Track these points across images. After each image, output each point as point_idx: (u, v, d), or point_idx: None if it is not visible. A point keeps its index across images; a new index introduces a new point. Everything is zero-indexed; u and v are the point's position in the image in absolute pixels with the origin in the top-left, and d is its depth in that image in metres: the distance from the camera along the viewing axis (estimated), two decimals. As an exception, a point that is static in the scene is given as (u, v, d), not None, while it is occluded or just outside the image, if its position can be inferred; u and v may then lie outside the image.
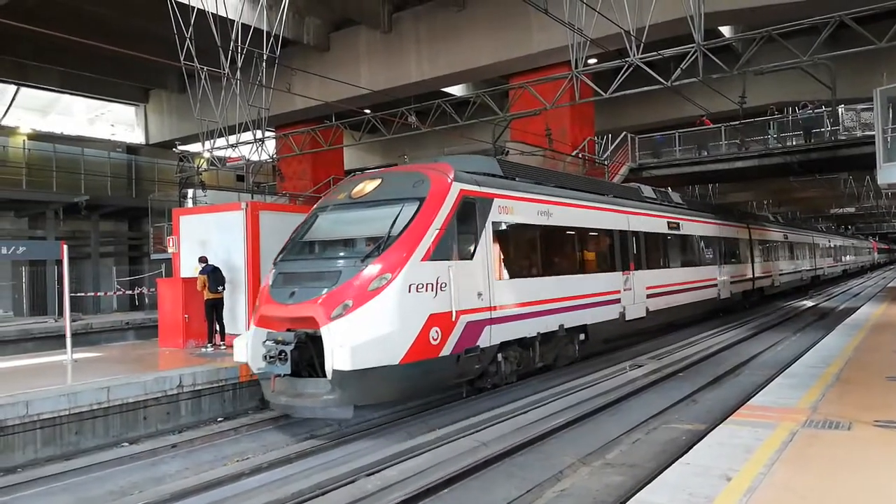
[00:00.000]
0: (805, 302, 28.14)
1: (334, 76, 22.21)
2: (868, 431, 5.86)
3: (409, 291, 8.54)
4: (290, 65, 22.46)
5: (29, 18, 12.84)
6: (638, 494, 4.77)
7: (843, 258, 49.61)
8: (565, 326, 11.79)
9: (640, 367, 12.61)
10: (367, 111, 25.69)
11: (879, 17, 15.80)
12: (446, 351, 9.01)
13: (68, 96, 32.09)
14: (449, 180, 9.69)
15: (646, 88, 17.44)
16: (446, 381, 9.68)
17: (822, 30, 15.09)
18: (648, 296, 15.16)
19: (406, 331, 8.46)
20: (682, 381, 11.53)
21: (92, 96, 32.27)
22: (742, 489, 4.54)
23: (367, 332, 8.11)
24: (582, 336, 12.69)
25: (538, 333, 11.10)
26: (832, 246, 44.52)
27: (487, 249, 9.92)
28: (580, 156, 23.92)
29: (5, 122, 28.95)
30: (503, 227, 10.52)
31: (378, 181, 10.14)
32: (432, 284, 8.84)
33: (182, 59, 17.30)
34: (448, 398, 10.27)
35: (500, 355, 10.24)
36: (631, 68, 16.92)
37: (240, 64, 18.38)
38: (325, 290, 8.50)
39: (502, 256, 10.42)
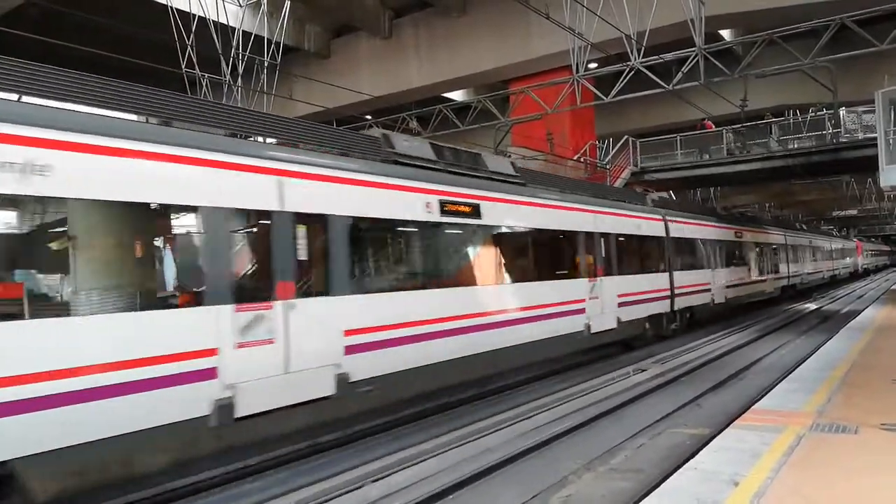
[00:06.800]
0: (808, 305, 28.11)
1: (335, 82, 22.29)
2: (875, 435, 5.83)
3: None
4: (291, 71, 22.53)
5: (34, 29, 12.95)
6: (644, 500, 4.73)
7: (789, 267, 29.78)
8: None
9: (643, 371, 12.58)
10: (369, 117, 25.73)
11: (880, 19, 15.81)
12: None
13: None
14: None
15: (647, 92, 17.52)
16: None
17: (822, 32, 15.15)
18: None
19: None
20: (686, 385, 11.48)
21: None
22: (750, 494, 4.51)
23: None
24: None
25: None
26: (763, 246, 25.56)
27: None
28: (581, 160, 23.95)
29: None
30: None
31: None
32: None
33: (184, 66, 17.38)
34: (450, 405, 10.22)
35: None
36: (632, 72, 17.00)
37: (241, 71, 18.46)
38: None
39: None
